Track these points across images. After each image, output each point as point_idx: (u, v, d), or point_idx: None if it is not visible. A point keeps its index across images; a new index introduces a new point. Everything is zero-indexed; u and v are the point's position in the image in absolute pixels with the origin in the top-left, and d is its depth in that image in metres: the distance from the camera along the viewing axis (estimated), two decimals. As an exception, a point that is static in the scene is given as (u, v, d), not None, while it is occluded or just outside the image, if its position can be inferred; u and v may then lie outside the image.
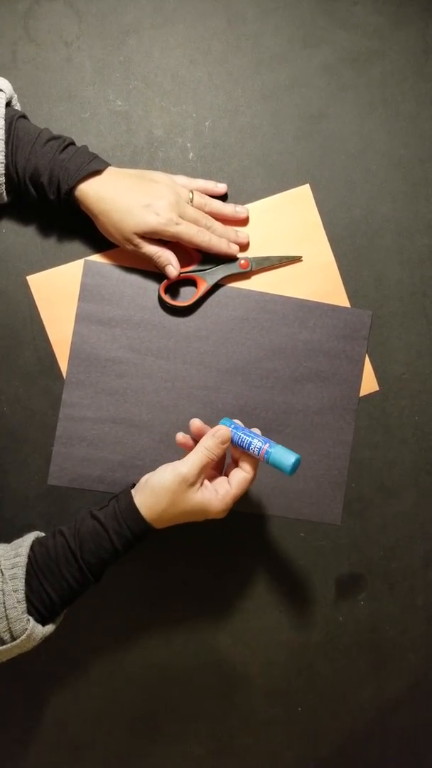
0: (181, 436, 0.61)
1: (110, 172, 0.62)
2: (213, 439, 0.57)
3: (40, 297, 0.67)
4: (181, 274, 0.66)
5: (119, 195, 0.61)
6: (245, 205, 0.69)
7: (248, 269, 0.68)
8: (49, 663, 0.68)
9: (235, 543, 0.69)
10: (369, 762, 0.71)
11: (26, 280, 0.67)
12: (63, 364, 0.67)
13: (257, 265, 0.68)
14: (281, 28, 0.70)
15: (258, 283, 0.69)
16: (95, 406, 0.67)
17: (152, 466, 0.59)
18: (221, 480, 0.59)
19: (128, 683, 0.69)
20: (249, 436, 0.57)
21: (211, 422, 0.61)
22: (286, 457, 0.55)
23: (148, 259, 0.64)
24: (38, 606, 0.54)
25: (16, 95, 0.63)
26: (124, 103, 0.68)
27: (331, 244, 0.70)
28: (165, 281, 0.66)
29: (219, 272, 0.67)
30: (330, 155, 0.70)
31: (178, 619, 0.69)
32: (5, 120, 0.59)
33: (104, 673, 0.68)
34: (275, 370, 0.69)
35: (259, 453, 0.56)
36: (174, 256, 0.64)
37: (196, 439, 0.60)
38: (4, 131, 0.58)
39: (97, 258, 0.67)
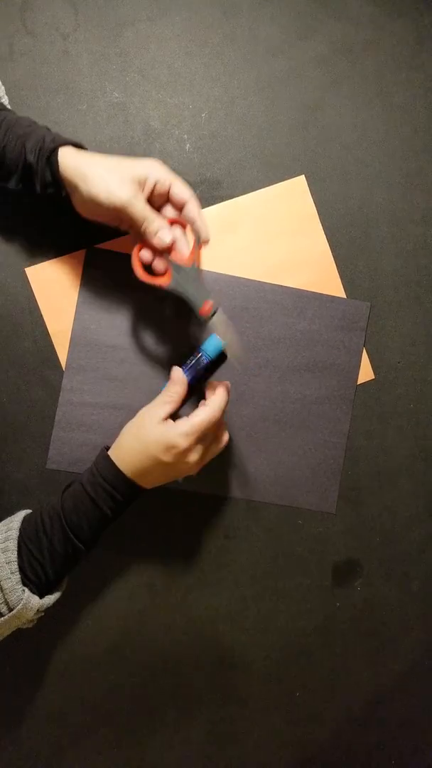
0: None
1: (91, 151, 0.59)
2: (170, 382, 0.61)
3: (38, 288, 0.68)
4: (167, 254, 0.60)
5: (105, 157, 0.58)
6: (242, 197, 0.69)
7: (208, 316, 0.61)
8: (48, 650, 0.69)
9: (233, 530, 0.70)
10: (367, 746, 0.72)
11: (25, 272, 0.67)
12: (62, 354, 0.68)
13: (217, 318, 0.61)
14: (276, 19, 0.70)
15: (255, 273, 0.69)
16: (95, 391, 0.67)
17: None
18: (182, 417, 0.60)
19: (127, 670, 0.69)
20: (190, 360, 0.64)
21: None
22: (215, 344, 0.64)
23: (138, 223, 0.57)
24: (32, 577, 0.55)
25: (3, 87, 0.63)
26: (121, 95, 0.69)
27: (327, 235, 0.71)
28: (143, 243, 0.60)
29: (185, 291, 0.60)
30: (325, 146, 0.71)
31: (176, 605, 0.70)
32: None
33: (103, 660, 0.69)
34: (273, 359, 0.69)
35: (200, 358, 0.64)
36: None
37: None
38: None
39: (99, 246, 0.68)
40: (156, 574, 0.69)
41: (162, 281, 0.60)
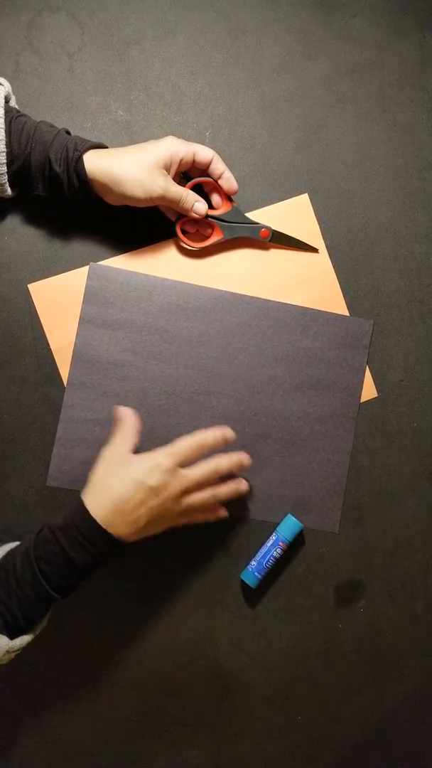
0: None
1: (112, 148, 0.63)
2: (117, 421, 0.60)
3: (40, 304, 0.67)
4: (207, 217, 0.66)
5: (128, 150, 0.61)
6: (246, 215, 0.69)
7: (267, 239, 0.68)
8: (47, 671, 0.68)
9: (234, 550, 0.69)
10: (369, 770, 0.71)
11: (27, 287, 0.67)
12: (63, 371, 0.67)
13: (275, 239, 0.69)
14: (281, 39, 0.71)
15: (258, 291, 0.69)
16: (96, 408, 0.67)
17: None
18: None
19: (128, 690, 0.69)
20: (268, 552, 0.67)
21: (212, 426, 0.61)
22: (291, 525, 0.67)
23: (174, 204, 0.63)
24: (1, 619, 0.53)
25: (14, 97, 0.64)
26: (125, 113, 0.69)
27: (330, 253, 0.71)
28: (183, 218, 0.66)
29: (239, 230, 0.68)
30: (329, 165, 0.71)
31: (177, 626, 0.69)
32: (4, 110, 0.59)
33: (104, 680, 0.68)
34: (276, 377, 0.69)
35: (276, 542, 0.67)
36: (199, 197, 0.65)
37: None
38: (3, 120, 0.58)
39: (102, 263, 0.68)
40: (156, 595, 0.69)
41: (213, 238, 0.67)
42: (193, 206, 0.64)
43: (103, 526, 0.54)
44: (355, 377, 0.70)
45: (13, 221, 0.67)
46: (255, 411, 0.69)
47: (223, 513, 0.63)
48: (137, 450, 0.59)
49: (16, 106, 0.64)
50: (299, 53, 0.71)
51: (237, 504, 0.68)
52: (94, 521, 0.54)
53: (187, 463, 0.58)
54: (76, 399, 0.67)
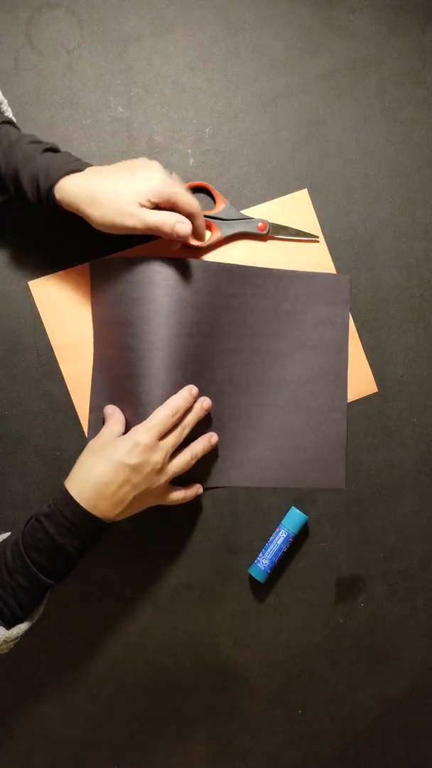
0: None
1: (91, 169, 0.59)
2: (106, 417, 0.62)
3: (41, 302, 0.67)
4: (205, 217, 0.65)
5: (105, 177, 0.57)
6: (245, 211, 0.69)
7: (264, 232, 0.69)
8: (49, 665, 0.68)
9: (235, 545, 0.69)
10: (370, 764, 0.72)
11: (27, 285, 0.67)
12: (64, 367, 0.68)
13: (273, 231, 0.69)
14: (280, 35, 0.71)
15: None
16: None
17: None
18: None
19: (129, 685, 0.69)
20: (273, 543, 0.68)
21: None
22: (296, 518, 0.68)
23: (155, 232, 0.58)
24: None
25: (6, 100, 0.64)
26: (125, 109, 0.69)
27: (329, 248, 0.71)
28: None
29: (236, 226, 0.68)
30: (328, 161, 0.71)
31: (178, 621, 0.69)
32: None
33: (105, 674, 0.69)
34: (263, 345, 0.69)
35: (280, 535, 0.68)
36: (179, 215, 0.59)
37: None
38: None
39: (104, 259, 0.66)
40: (157, 590, 0.69)
41: (212, 237, 0.68)
42: (173, 227, 0.58)
43: (88, 510, 0.55)
44: (340, 333, 0.70)
45: (13, 219, 0.67)
46: (247, 381, 0.68)
47: (200, 490, 0.66)
48: None
49: (9, 109, 0.64)
50: (299, 49, 0.71)
51: (240, 475, 0.68)
52: (78, 505, 0.55)
53: (166, 433, 0.59)
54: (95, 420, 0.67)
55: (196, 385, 0.63)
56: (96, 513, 0.56)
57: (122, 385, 0.65)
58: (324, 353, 0.70)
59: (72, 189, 0.57)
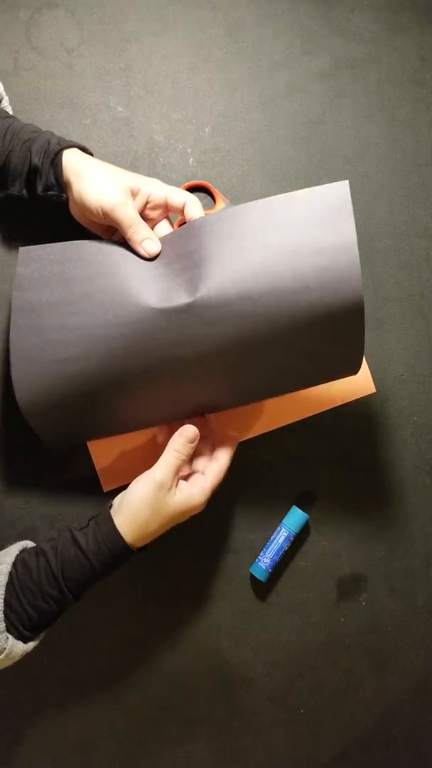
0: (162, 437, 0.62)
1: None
2: (180, 439, 0.57)
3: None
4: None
5: (106, 165, 0.59)
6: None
7: None
8: (51, 666, 0.68)
9: (236, 544, 0.69)
10: (372, 764, 0.71)
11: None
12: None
13: None
14: (280, 35, 0.71)
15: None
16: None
17: None
18: (196, 476, 0.60)
19: (130, 685, 0.69)
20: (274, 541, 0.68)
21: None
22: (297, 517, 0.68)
23: (122, 228, 0.57)
24: (17, 625, 0.53)
25: (6, 97, 0.64)
26: (125, 109, 0.69)
27: (330, 248, 0.71)
28: (182, 219, 0.60)
29: None
30: (327, 160, 0.71)
31: (179, 621, 0.69)
32: None
33: (106, 675, 0.68)
34: (270, 290, 0.54)
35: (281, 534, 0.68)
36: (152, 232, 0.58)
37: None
38: None
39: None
40: (158, 589, 0.69)
41: None
42: (142, 242, 0.57)
43: (132, 548, 0.56)
44: (346, 254, 0.54)
45: (13, 217, 0.67)
46: (264, 330, 0.55)
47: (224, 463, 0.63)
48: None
49: (9, 107, 0.64)
50: (298, 48, 0.71)
51: (253, 393, 0.62)
52: (127, 547, 0.55)
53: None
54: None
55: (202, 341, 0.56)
56: (136, 546, 0.57)
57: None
58: (336, 274, 0.54)
59: (77, 157, 0.58)
